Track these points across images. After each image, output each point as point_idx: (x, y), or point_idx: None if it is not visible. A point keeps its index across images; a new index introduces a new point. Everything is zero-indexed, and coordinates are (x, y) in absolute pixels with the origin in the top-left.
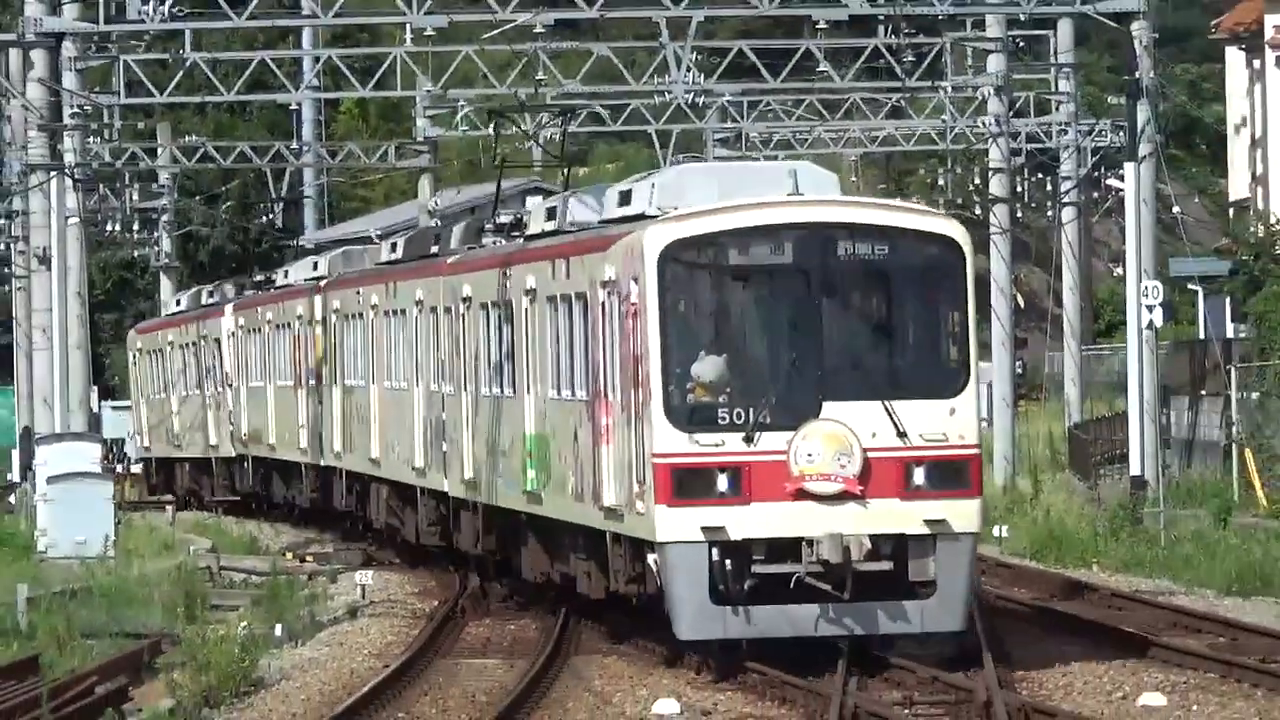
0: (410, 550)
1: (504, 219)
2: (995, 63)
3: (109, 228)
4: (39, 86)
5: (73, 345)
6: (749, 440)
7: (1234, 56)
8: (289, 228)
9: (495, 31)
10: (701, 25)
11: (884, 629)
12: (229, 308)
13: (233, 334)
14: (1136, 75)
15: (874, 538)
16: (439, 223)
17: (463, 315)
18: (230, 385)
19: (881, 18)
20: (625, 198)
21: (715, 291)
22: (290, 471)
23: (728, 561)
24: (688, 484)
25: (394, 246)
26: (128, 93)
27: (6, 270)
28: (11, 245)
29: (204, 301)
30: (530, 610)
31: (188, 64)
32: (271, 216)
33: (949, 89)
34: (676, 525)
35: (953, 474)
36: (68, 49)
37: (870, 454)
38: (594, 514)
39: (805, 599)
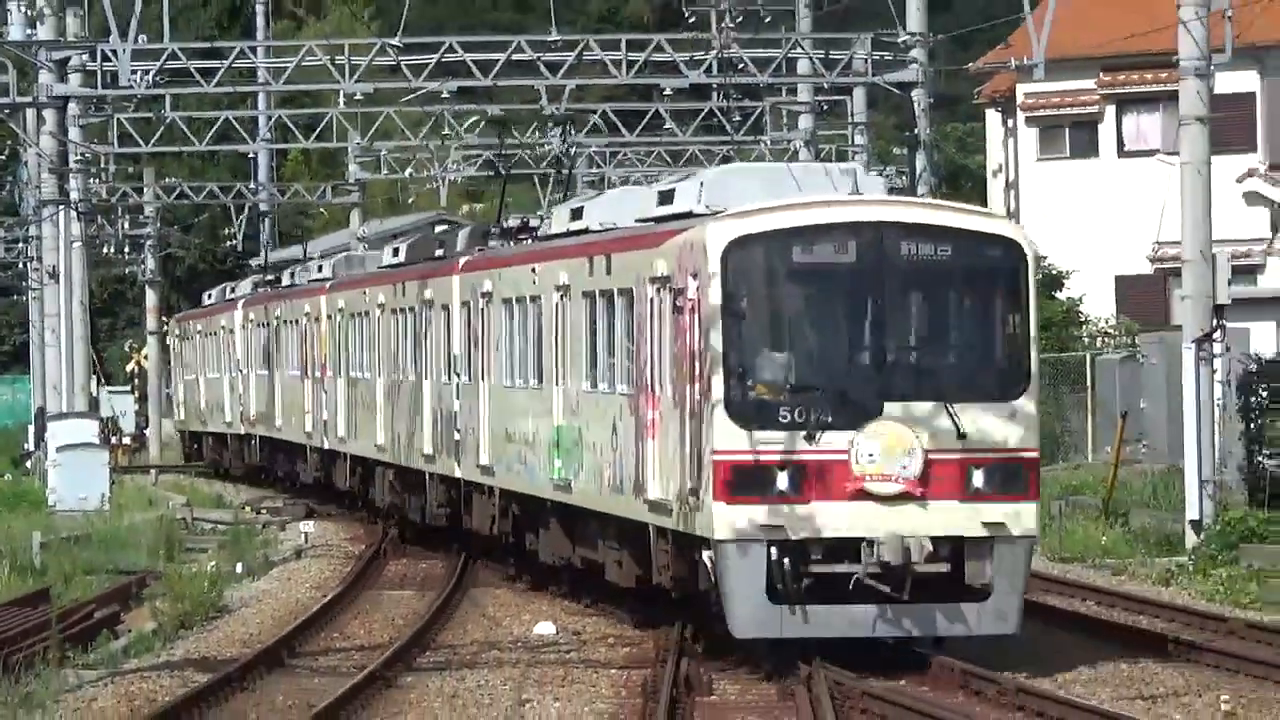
0: (415, 529)
1: (511, 223)
2: (805, 121)
3: (105, 250)
4: (50, 139)
5: (76, 341)
6: (810, 439)
7: (992, 117)
8: (248, 250)
9: (411, 96)
10: (573, 91)
11: (941, 631)
12: (240, 304)
13: (244, 327)
14: (916, 131)
15: (933, 539)
16: (366, 246)
17: (482, 310)
18: (241, 372)
19: (715, 85)
20: (666, 197)
21: (778, 289)
22: (295, 450)
23: (786, 560)
24: (747, 481)
25: (396, 251)
26: (120, 144)
27: (24, 283)
28: (28, 263)
29: (227, 297)
30: (438, 553)
31: (167, 121)
32: (234, 242)
33: (768, 142)
34: (735, 523)
35: (1011, 477)
36: (72, 109)
37: (930, 455)
38: (636, 506)
39: (862, 599)
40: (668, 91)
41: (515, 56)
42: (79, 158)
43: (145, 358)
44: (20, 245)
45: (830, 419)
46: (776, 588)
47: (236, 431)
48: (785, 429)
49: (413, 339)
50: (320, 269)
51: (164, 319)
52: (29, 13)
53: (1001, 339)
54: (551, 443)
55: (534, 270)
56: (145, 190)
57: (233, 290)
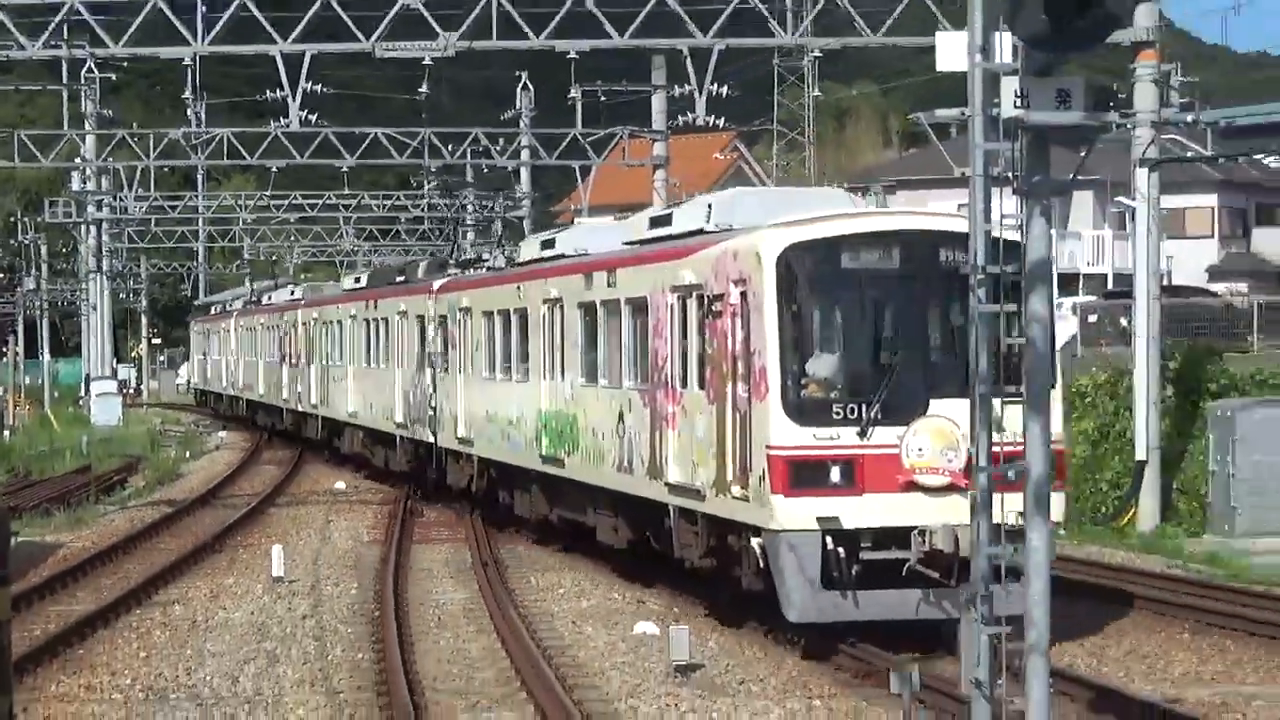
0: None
1: (466, 257)
2: (470, 235)
3: (120, 295)
4: (93, 240)
5: (105, 342)
6: (862, 434)
7: None
8: (194, 297)
9: (276, 219)
10: (361, 219)
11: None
12: (234, 315)
13: (235, 329)
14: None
15: None
16: (280, 285)
17: (460, 321)
18: (234, 355)
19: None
20: (661, 221)
21: (829, 293)
22: (273, 409)
23: (840, 549)
24: (804, 475)
25: (357, 280)
26: (129, 243)
27: (79, 312)
28: (81, 302)
29: (226, 309)
30: (288, 447)
31: (153, 232)
32: (186, 292)
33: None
34: (793, 514)
35: None
36: (105, 226)
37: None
38: (653, 487)
39: (906, 584)
40: (411, 215)
41: (329, 201)
42: (108, 249)
43: (141, 350)
44: (77, 292)
45: (881, 416)
46: (831, 575)
47: (229, 393)
48: (838, 425)
49: (384, 340)
50: (293, 292)
51: (152, 329)
52: (82, 176)
53: None
54: (538, 425)
55: (518, 288)
56: (140, 266)
57: (229, 305)
